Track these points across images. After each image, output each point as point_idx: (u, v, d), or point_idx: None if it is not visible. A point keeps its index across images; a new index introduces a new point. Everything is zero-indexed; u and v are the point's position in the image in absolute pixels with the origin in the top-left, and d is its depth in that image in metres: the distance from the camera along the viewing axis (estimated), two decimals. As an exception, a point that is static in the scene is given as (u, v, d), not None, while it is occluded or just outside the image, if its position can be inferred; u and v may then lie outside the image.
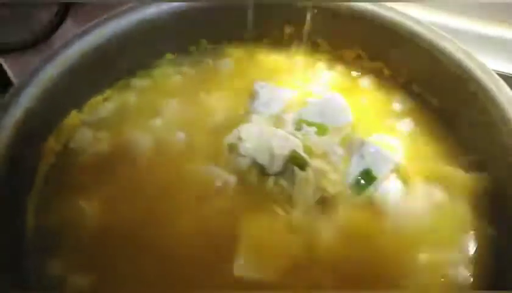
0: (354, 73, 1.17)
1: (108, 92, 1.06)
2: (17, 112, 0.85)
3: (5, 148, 0.81)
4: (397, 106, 1.12)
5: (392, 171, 0.97)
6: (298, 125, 1.03)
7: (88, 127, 1.02)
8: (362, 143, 0.98)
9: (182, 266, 0.83)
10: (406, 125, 1.08)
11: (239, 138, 0.98)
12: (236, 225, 0.88)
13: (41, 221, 0.88)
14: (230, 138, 1.00)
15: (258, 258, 0.85)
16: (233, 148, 0.98)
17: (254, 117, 1.04)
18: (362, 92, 1.14)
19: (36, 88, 0.88)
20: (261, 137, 0.98)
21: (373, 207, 0.93)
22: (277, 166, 0.95)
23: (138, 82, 1.11)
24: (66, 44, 0.93)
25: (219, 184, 0.95)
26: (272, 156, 0.95)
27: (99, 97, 1.04)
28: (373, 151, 0.97)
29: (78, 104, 0.99)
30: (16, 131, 0.84)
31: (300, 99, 1.09)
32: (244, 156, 0.97)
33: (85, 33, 0.95)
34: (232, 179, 0.95)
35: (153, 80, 1.11)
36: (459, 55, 1.00)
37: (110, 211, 0.89)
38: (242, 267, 0.83)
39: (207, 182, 0.95)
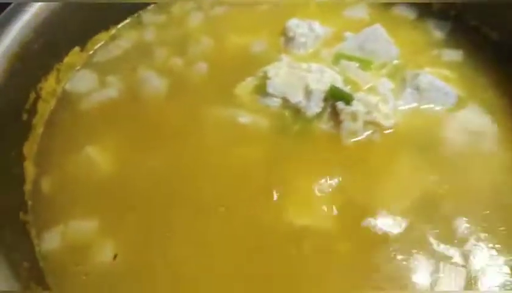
0: (396, 7, 1.03)
1: (114, 29, 0.95)
2: (9, 42, 0.74)
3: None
4: (447, 38, 0.99)
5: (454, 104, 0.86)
6: (336, 60, 0.92)
7: (93, 69, 0.91)
8: (416, 75, 0.87)
9: (212, 216, 0.75)
10: (457, 57, 0.96)
11: (267, 77, 0.86)
12: (276, 173, 0.79)
13: (42, 169, 0.79)
14: (255, 78, 0.90)
15: (306, 205, 0.76)
16: (259, 89, 0.87)
17: (284, 57, 0.92)
18: (408, 25, 1.02)
19: (31, 16, 0.77)
20: (293, 73, 0.87)
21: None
22: (315, 104, 0.84)
23: (152, 18, 1.00)
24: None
25: (248, 128, 0.84)
26: (308, 93, 0.84)
27: (104, 35, 0.92)
28: (431, 83, 0.87)
29: (81, 41, 0.89)
30: (10, 66, 0.73)
31: (337, 35, 0.98)
32: (273, 96, 0.85)
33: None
34: (263, 122, 0.84)
35: (170, 16, 1.01)
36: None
37: (121, 160, 0.81)
38: (290, 213, 0.75)
39: (234, 127, 0.85)
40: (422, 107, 0.87)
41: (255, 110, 0.86)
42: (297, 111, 0.85)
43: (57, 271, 0.70)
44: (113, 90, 0.89)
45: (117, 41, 0.96)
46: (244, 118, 0.85)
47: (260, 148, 0.82)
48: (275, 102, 0.87)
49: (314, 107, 0.85)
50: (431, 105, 0.87)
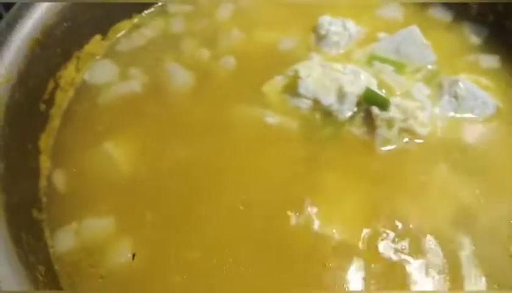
0: (431, 8, 0.99)
1: (137, 18, 0.90)
2: (31, 26, 0.70)
3: (17, 71, 0.66)
4: (483, 44, 0.95)
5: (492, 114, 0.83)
6: (369, 62, 0.87)
7: (114, 60, 0.87)
8: (454, 82, 0.83)
9: (239, 216, 0.71)
10: (494, 63, 0.92)
11: (298, 77, 0.82)
12: (301, 178, 0.75)
13: (57, 164, 0.75)
14: (284, 77, 0.85)
15: (332, 214, 0.72)
16: (289, 88, 0.83)
17: (314, 56, 0.89)
18: (443, 28, 0.98)
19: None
20: (325, 74, 0.83)
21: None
22: (348, 107, 0.79)
23: (179, 8, 0.96)
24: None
25: (276, 129, 0.80)
26: (342, 96, 0.80)
27: (127, 23, 0.88)
28: (469, 90, 0.83)
29: (102, 29, 0.85)
30: (30, 52, 0.70)
31: (371, 35, 0.94)
32: (304, 97, 0.81)
33: None
34: (292, 124, 0.81)
35: (197, 6, 0.97)
36: None
37: (140, 156, 0.77)
38: (314, 222, 0.70)
39: (261, 127, 0.81)
40: (459, 115, 0.83)
41: (284, 111, 0.82)
42: (328, 114, 0.81)
43: (72, 274, 0.67)
44: (135, 82, 0.85)
45: (141, 30, 0.92)
46: (272, 119, 0.81)
47: (287, 151, 0.78)
48: (306, 104, 0.83)
49: (347, 110, 0.81)
50: (469, 114, 0.83)
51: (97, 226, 0.70)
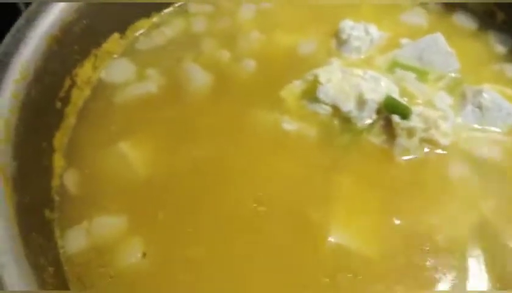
0: (456, 15, 0.96)
1: (156, 17, 0.89)
2: (50, 23, 0.69)
3: (33, 68, 0.65)
4: (509, 53, 0.92)
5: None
6: (391, 69, 0.85)
7: (131, 59, 0.86)
8: (478, 92, 0.81)
9: (250, 226, 0.70)
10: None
11: (318, 82, 0.80)
12: (318, 186, 0.73)
13: (71, 163, 0.75)
14: (303, 82, 0.83)
15: (347, 224, 0.70)
16: (308, 93, 0.81)
17: (334, 61, 0.86)
18: (467, 36, 0.95)
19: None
20: (345, 79, 0.80)
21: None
22: (367, 115, 0.77)
23: (199, 8, 0.95)
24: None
25: (293, 136, 0.79)
26: (362, 102, 0.78)
27: (145, 22, 0.87)
28: (494, 101, 0.81)
29: (121, 27, 0.84)
30: (48, 49, 0.69)
31: (393, 41, 0.92)
32: (323, 103, 0.79)
33: None
34: (310, 131, 0.79)
35: (218, 6, 0.95)
36: None
37: (155, 158, 0.76)
38: (327, 231, 0.68)
39: (278, 133, 0.79)
40: (482, 126, 0.81)
41: (302, 116, 0.81)
42: (347, 120, 0.80)
43: (81, 274, 0.66)
44: (151, 83, 0.84)
45: (161, 29, 0.91)
46: (290, 125, 0.80)
47: (304, 157, 0.77)
48: (324, 110, 0.81)
49: (366, 118, 0.80)
50: (491, 125, 0.81)
51: (108, 224, 0.69)
